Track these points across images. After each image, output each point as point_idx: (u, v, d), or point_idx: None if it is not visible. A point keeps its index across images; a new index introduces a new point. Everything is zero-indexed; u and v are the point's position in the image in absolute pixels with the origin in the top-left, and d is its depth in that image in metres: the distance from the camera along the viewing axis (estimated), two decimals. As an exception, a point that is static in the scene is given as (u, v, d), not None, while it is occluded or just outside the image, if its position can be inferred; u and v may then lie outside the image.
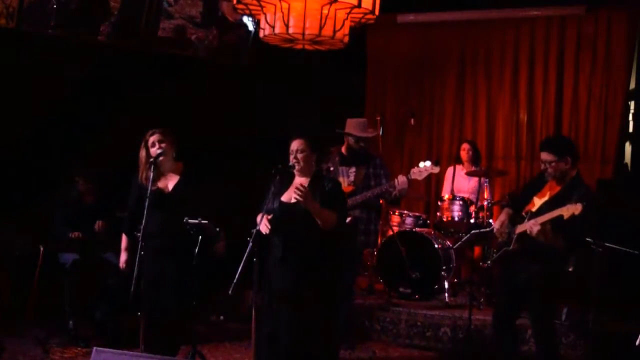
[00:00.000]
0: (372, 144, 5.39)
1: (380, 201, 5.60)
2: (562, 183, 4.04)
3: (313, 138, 3.81)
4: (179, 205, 4.23)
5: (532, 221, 3.92)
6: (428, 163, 4.82)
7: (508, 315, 4.22)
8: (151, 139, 4.28)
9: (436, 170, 4.87)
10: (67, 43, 5.93)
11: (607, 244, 4.44)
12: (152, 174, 4.19)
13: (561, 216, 3.76)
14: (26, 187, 5.69)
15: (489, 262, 4.29)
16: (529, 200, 4.19)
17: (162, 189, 4.30)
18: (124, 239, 4.46)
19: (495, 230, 4.25)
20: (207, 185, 4.45)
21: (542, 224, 3.84)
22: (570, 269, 5.48)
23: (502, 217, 4.24)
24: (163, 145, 4.26)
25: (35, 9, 5.66)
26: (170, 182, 4.33)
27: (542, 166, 4.07)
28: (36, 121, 5.83)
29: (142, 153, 4.29)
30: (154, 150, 4.24)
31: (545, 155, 4.03)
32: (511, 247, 4.06)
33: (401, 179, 4.78)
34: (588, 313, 4.91)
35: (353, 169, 4.98)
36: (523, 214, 4.12)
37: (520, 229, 4.03)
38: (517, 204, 4.28)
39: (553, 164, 4.00)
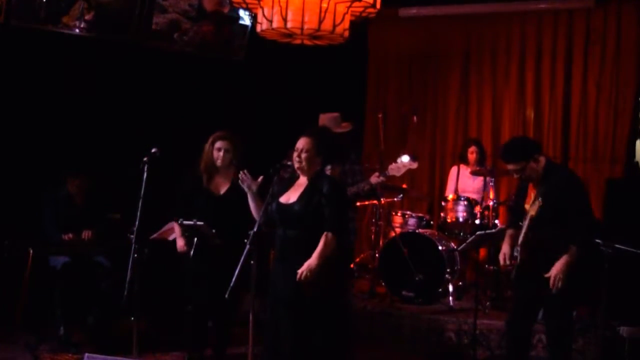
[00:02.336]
0: (346, 139, 5.38)
1: (365, 202, 5.59)
2: (538, 180, 4.07)
3: (321, 139, 3.79)
4: (229, 209, 4.47)
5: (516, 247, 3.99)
6: (405, 158, 4.82)
7: (524, 324, 4.21)
8: (218, 144, 4.56)
9: (414, 165, 4.86)
10: (57, 38, 5.93)
11: (617, 246, 4.44)
12: (145, 175, 4.24)
13: (532, 217, 3.78)
14: (14, 187, 5.68)
15: (513, 280, 4.26)
16: (523, 210, 4.21)
17: (213, 192, 4.57)
18: (176, 226, 4.70)
19: (502, 266, 4.24)
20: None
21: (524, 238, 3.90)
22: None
23: (505, 247, 4.22)
24: (227, 156, 4.54)
25: (24, 3, 5.66)
26: (222, 186, 4.58)
27: (516, 175, 4.09)
28: (25, 119, 5.82)
29: (207, 151, 4.57)
30: (217, 155, 4.55)
31: (513, 166, 4.05)
32: (519, 259, 4.05)
33: (376, 178, 4.79)
34: (598, 317, 4.92)
35: (329, 167, 4.98)
36: (520, 224, 4.15)
37: (520, 239, 4.04)
38: (515, 221, 4.30)
39: (526, 169, 4.02)
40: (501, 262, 4.20)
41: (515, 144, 4.22)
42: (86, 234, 5.31)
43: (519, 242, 4.05)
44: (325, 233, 3.64)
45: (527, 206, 4.17)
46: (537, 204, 3.76)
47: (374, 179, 4.77)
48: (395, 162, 4.82)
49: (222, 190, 4.59)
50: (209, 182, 4.60)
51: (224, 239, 4.43)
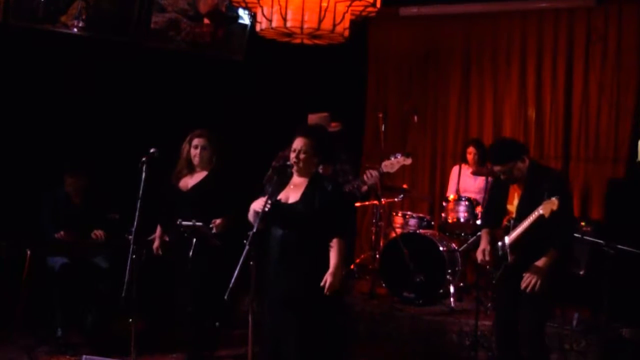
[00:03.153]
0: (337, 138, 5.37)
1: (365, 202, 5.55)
2: (522, 179, 4.06)
3: (319, 139, 3.78)
4: (198, 205, 4.43)
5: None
6: (399, 155, 4.86)
7: (511, 324, 4.18)
8: (195, 141, 4.57)
9: (408, 162, 4.91)
10: (56, 37, 5.92)
11: (620, 246, 4.44)
12: (144, 175, 4.22)
13: (542, 216, 3.77)
14: (12, 187, 5.67)
15: (494, 281, 4.25)
16: (503, 211, 4.20)
17: (181, 188, 4.55)
18: (159, 228, 4.75)
19: (480, 261, 4.21)
20: (234, 184, 4.56)
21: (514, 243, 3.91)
22: (581, 272, 5.50)
23: (483, 244, 4.21)
24: (205, 153, 4.54)
25: (23, 2, 5.66)
26: (192, 181, 4.56)
27: (503, 176, 4.08)
28: (23, 119, 5.81)
29: (184, 149, 4.58)
30: (194, 153, 4.55)
31: (501, 167, 4.03)
32: (509, 260, 4.05)
33: (373, 173, 4.79)
34: (600, 318, 4.91)
35: (320, 167, 4.97)
36: (505, 222, 4.13)
37: (509, 239, 4.04)
38: (493, 220, 4.29)
39: (513, 170, 4.01)
40: (479, 257, 4.19)
41: (502, 146, 4.21)
42: (96, 234, 5.30)
43: (507, 243, 4.04)
44: (336, 240, 3.65)
45: (510, 207, 4.15)
46: (554, 201, 3.72)
47: (373, 172, 4.77)
48: (389, 158, 4.85)
49: (189, 186, 4.59)
50: (180, 180, 4.62)
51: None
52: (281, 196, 3.77)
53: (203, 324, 4.74)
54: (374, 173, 4.78)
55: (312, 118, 5.06)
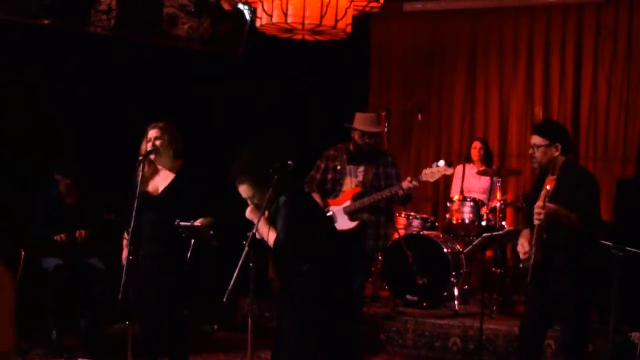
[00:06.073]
0: (382, 141, 5.37)
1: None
2: (555, 173, 4.08)
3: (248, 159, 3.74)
4: (168, 209, 4.22)
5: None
6: (441, 163, 4.78)
7: (538, 330, 4.21)
8: (149, 134, 4.31)
9: (450, 171, 4.86)
10: (51, 33, 5.93)
11: (628, 248, 4.44)
12: (141, 173, 4.20)
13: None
14: (4, 187, 5.69)
15: (528, 284, 4.24)
16: None
17: (150, 191, 4.29)
18: (125, 235, 4.47)
19: (522, 255, 4.17)
20: (206, 186, 4.44)
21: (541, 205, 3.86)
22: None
23: (522, 241, 4.20)
24: (158, 142, 4.27)
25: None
26: (162, 183, 4.33)
27: (530, 150, 4.11)
28: (15, 117, 5.82)
29: (142, 146, 4.32)
30: (148, 146, 4.26)
31: (536, 139, 4.07)
32: (532, 260, 4.04)
33: (413, 181, 4.76)
34: (608, 322, 4.92)
35: (362, 168, 4.95)
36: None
37: (534, 237, 4.04)
38: (530, 220, 4.28)
39: (542, 148, 4.04)
40: (521, 254, 4.15)
41: (553, 124, 4.30)
42: (79, 234, 5.30)
43: (532, 242, 4.06)
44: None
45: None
46: (544, 192, 3.78)
47: (406, 183, 4.74)
48: (430, 166, 4.80)
49: (160, 189, 4.31)
50: (147, 182, 4.27)
51: (168, 246, 4.22)
52: None
53: (201, 328, 4.72)
54: (414, 182, 4.76)
55: (358, 117, 5.00)
